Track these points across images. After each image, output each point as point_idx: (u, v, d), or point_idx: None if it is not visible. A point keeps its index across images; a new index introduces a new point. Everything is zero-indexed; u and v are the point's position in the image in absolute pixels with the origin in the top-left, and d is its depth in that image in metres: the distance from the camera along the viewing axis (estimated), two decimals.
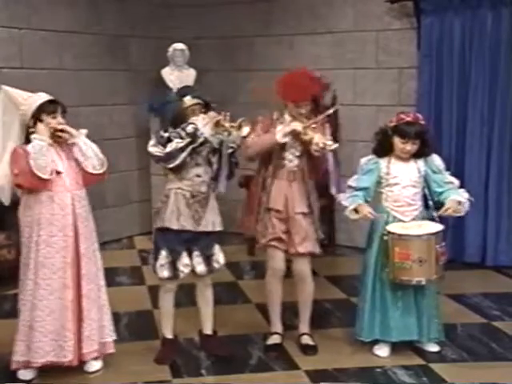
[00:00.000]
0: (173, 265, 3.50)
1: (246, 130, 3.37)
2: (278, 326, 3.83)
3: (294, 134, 3.52)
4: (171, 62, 5.79)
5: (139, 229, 6.39)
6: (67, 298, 3.28)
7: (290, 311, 3.92)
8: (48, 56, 5.47)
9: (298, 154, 3.60)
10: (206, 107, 3.52)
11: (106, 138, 5.82)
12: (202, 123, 3.39)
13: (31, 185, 3.23)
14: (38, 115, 3.26)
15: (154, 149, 3.44)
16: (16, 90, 3.35)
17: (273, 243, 3.65)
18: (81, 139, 3.30)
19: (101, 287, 3.45)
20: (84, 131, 3.39)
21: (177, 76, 5.77)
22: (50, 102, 3.31)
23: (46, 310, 3.28)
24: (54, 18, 5.50)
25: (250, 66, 6.22)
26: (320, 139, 3.41)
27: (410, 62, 5.51)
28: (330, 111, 3.57)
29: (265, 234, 3.63)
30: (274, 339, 3.81)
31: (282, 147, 3.58)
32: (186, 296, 3.95)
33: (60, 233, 3.27)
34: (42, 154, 3.18)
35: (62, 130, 3.27)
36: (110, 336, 3.50)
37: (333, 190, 3.66)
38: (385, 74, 5.65)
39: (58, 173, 3.27)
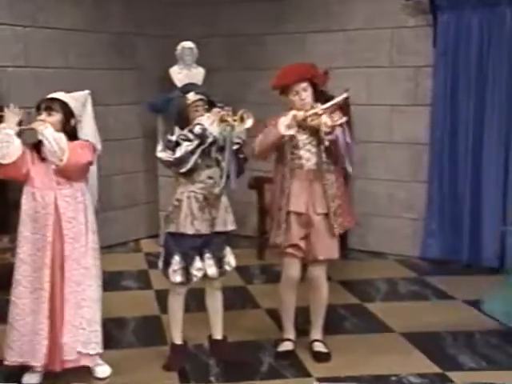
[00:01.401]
0: (185, 269, 3.49)
1: (249, 122, 3.33)
2: (290, 332, 3.81)
3: (301, 123, 3.46)
4: (180, 60, 5.79)
5: (146, 231, 6.39)
6: (41, 300, 3.27)
7: (302, 316, 3.90)
8: (53, 55, 5.48)
9: (314, 150, 3.55)
10: (210, 104, 3.51)
11: (111, 139, 5.83)
12: (209, 122, 3.38)
13: (2, 174, 3.29)
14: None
15: (163, 154, 3.43)
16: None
17: (290, 250, 3.62)
18: (43, 135, 3.24)
19: (90, 292, 3.36)
20: (44, 126, 3.28)
21: (185, 75, 5.76)
22: (48, 99, 3.35)
23: (26, 309, 3.29)
24: (59, 16, 5.51)
25: (260, 64, 6.20)
26: (327, 118, 3.37)
27: (425, 60, 5.49)
28: (340, 98, 3.49)
29: (282, 239, 3.59)
30: (286, 346, 3.78)
31: (297, 145, 3.55)
32: (195, 300, 3.94)
33: (40, 231, 3.28)
34: (5, 141, 3.19)
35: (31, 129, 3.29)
36: (93, 349, 3.38)
37: (349, 168, 3.58)
38: (399, 72, 5.62)
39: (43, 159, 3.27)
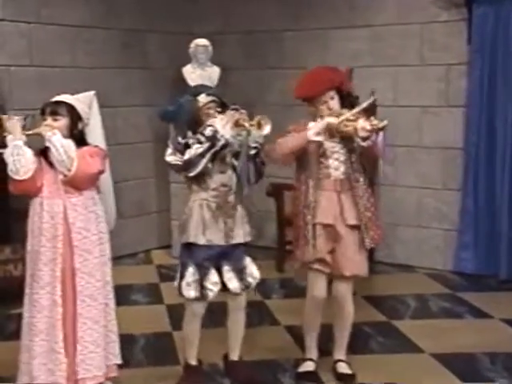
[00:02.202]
0: (200, 283, 3.46)
1: (267, 128, 3.32)
2: (313, 352, 3.78)
3: (332, 131, 3.44)
4: (193, 59, 5.80)
5: (157, 242, 6.38)
6: (56, 317, 3.25)
7: (324, 334, 3.85)
8: (59, 53, 5.51)
9: (343, 158, 3.54)
10: (223, 106, 3.50)
11: (120, 143, 5.85)
12: (221, 124, 3.36)
13: (16, 189, 3.27)
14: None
15: (171, 158, 3.43)
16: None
17: (316, 266, 3.58)
18: (51, 141, 3.22)
19: (106, 306, 3.38)
20: (52, 132, 3.26)
21: (199, 74, 5.77)
22: (54, 102, 3.34)
23: (36, 329, 3.28)
24: (65, 11, 5.54)
25: (279, 63, 6.20)
26: (365, 122, 3.33)
27: (458, 57, 5.44)
28: (368, 102, 3.47)
29: (307, 253, 3.54)
30: (308, 366, 3.75)
31: (324, 154, 3.53)
32: (211, 315, 3.90)
33: (48, 243, 3.26)
34: (16, 154, 3.19)
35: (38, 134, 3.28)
36: (111, 360, 3.42)
37: (381, 174, 3.55)
38: (430, 71, 5.58)
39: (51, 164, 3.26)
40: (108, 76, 5.84)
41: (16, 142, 3.21)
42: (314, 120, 3.55)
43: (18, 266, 4.78)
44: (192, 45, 5.76)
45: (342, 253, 3.55)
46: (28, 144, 3.29)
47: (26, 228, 3.37)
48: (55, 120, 3.28)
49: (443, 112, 5.58)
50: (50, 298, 3.25)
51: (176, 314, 4.34)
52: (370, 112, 3.65)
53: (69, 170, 3.21)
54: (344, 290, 3.64)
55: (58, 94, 3.41)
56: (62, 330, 3.26)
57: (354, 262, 3.57)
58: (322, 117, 3.51)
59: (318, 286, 3.62)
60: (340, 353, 3.75)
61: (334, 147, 3.54)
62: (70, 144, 3.24)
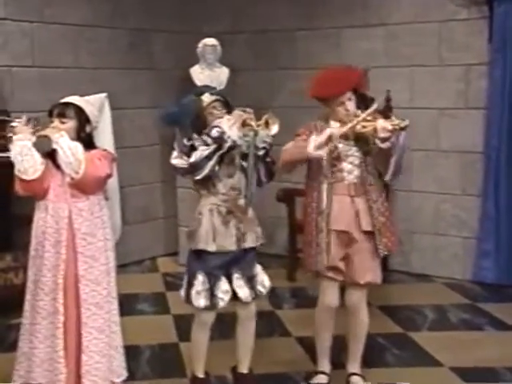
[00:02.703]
0: (210, 292, 3.46)
1: (274, 128, 3.31)
2: (325, 364, 3.77)
3: (347, 134, 3.43)
4: (201, 59, 5.81)
5: (164, 249, 6.39)
6: (57, 325, 3.26)
7: (338, 346, 3.84)
8: (62, 53, 5.53)
9: (357, 161, 3.53)
10: (227, 106, 3.50)
11: (126, 146, 5.85)
12: (228, 125, 3.35)
13: (23, 190, 3.28)
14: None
15: (177, 161, 3.43)
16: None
17: (329, 274, 3.58)
18: (58, 143, 3.24)
19: (112, 315, 3.38)
20: (59, 134, 3.27)
21: (207, 75, 5.79)
22: (61, 104, 3.35)
23: (40, 336, 3.29)
24: (69, 10, 5.57)
25: (290, 64, 6.20)
26: (386, 122, 3.32)
27: (479, 57, 5.42)
28: (375, 106, 3.45)
29: (319, 260, 3.54)
30: (320, 379, 3.74)
31: (338, 157, 3.51)
32: (219, 326, 3.89)
33: (53, 249, 3.27)
34: (26, 153, 3.21)
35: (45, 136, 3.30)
36: (118, 376, 3.40)
37: (387, 176, 3.48)
38: (449, 71, 5.57)
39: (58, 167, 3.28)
40: (113, 77, 5.86)
41: (24, 142, 3.23)
42: (327, 121, 3.55)
43: (19, 275, 4.79)
44: (200, 44, 5.78)
45: (356, 260, 3.55)
46: (35, 147, 3.31)
47: (28, 234, 3.39)
48: (62, 122, 3.30)
49: (462, 114, 5.56)
50: (53, 306, 3.26)
51: (183, 325, 4.34)
52: (385, 114, 3.65)
53: (76, 173, 3.22)
54: (357, 298, 3.63)
55: (62, 96, 3.42)
56: (63, 338, 3.26)
57: (368, 270, 3.56)
58: (337, 118, 3.51)
59: (330, 295, 3.62)
60: (354, 365, 3.73)
61: (348, 150, 3.53)
62: (77, 146, 3.25)
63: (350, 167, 3.53)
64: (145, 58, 6.16)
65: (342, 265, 3.56)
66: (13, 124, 4.58)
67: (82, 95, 3.49)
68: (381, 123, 3.32)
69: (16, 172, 3.23)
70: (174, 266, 5.99)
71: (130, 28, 6.02)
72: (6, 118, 4.75)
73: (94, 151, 3.31)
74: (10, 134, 3.33)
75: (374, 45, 5.80)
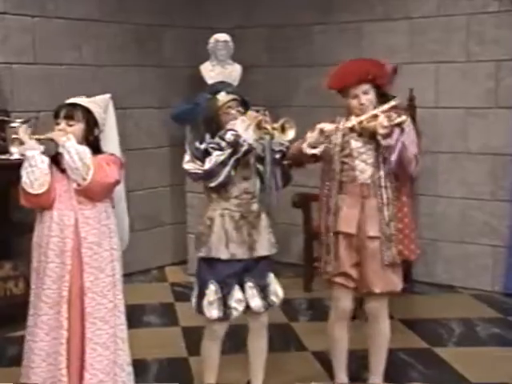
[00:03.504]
0: (223, 301, 3.46)
1: (291, 133, 3.31)
2: (342, 378, 3.76)
3: (355, 129, 3.43)
4: (212, 55, 5.82)
5: (172, 257, 6.40)
6: (60, 340, 3.25)
7: (357, 362, 3.83)
8: (65, 49, 5.56)
9: (370, 160, 3.52)
10: (244, 105, 3.50)
11: (131, 148, 5.87)
12: (243, 127, 3.35)
13: (29, 203, 3.29)
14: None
15: (190, 165, 3.43)
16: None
17: (338, 280, 3.59)
18: (65, 148, 3.23)
19: (118, 331, 3.38)
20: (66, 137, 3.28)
21: (219, 73, 5.80)
22: (67, 105, 3.35)
23: (42, 354, 3.28)
24: (72, 4, 5.59)
25: (307, 60, 6.20)
26: (384, 118, 3.32)
27: (510, 52, 5.40)
28: (393, 103, 3.45)
29: (329, 266, 3.56)
30: None
31: (350, 154, 3.52)
32: (230, 339, 3.90)
33: (57, 259, 3.27)
34: (32, 165, 3.22)
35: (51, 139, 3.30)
36: None
37: (392, 157, 3.41)
38: (477, 68, 5.55)
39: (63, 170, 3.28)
40: (118, 75, 5.88)
41: (33, 153, 3.24)
42: (349, 115, 3.55)
43: (19, 284, 4.82)
44: (211, 40, 5.79)
45: (368, 267, 3.54)
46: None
47: (28, 241, 3.40)
48: (70, 125, 3.30)
49: (491, 114, 5.54)
50: (57, 320, 3.25)
51: (192, 338, 4.34)
52: (408, 113, 3.66)
53: (83, 179, 3.22)
54: (375, 308, 3.63)
55: (65, 94, 3.45)
56: (66, 355, 3.26)
57: (383, 277, 3.55)
58: (352, 113, 3.52)
59: (341, 300, 3.63)
60: (376, 379, 3.72)
61: (361, 147, 3.52)
62: (85, 151, 3.25)
63: (363, 166, 3.53)
64: (152, 54, 6.18)
65: (353, 272, 3.56)
66: (12, 125, 4.64)
67: (85, 94, 3.51)
68: (380, 119, 3.34)
69: (22, 184, 3.24)
70: (182, 276, 6.00)
71: (137, 23, 6.04)
72: (6, 119, 4.81)
73: (101, 156, 3.32)
74: (14, 136, 3.35)
75: (397, 40, 5.79)
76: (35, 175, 3.22)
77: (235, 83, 5.67)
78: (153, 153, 6.24)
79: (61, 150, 3.24)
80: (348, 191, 3.54)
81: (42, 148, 3.28)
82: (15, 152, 4.51)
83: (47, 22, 5.44)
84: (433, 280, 5.78)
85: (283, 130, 3.31)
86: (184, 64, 6.24)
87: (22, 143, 3.30)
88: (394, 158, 3.39)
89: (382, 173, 3.51)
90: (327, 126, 3.44)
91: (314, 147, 3.43)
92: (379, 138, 3.37)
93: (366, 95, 3.50)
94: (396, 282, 3.60)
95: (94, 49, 5.76)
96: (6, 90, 5.16)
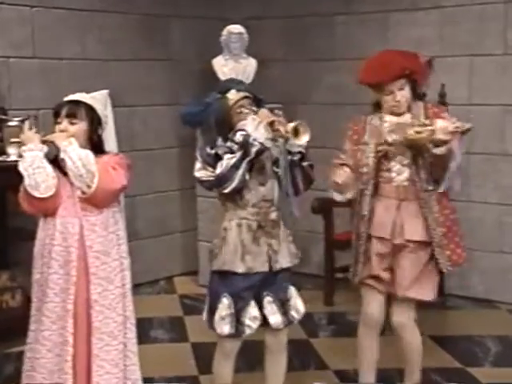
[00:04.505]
0: (236, 317, 3.46)
1: (304, 138, 3.32)
2: None
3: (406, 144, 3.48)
4: (225, 49, 5.83)
5: (181, 267, 6.42)
6: (65, 358, 3.25)
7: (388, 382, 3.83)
8: (67, 42, 5.59)
9: (406, 162, 3.56)
10: (257, 103, 3.50)
11: (137, 149, 5.90)
12: (253, 126, 3.35)
13: (34, 208, 3.28)
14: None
15: (202, 173, 3.43)
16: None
17: (368, 281, 3.65)
18: (66, 153, 3.23)
19: (129, 344, 3.40)
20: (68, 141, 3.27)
21: (232, 68, 5.81)
22: (68, 102, 3.36)
23: (44, 372, 3.29)
24: None
25: (328, 54, 6.21)
26: (446, 122, 3.37)
27: None
28: (467, 126, 3.43)
29: (360, 269, 3.64)
30: None
31: (385, 155, 3.56)
32: (246, 355, 3.90)
33: (61, 270, 3.27)
34: (37, 166, 3.21)
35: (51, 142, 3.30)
36: None
37: (442, 187, 3.54)
38: None
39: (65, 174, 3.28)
40: (124, 69, 5.91)
41: (35, 153, 3.23)
42: (380, 114, 3.60)
43: (17, 296, 4.84)
44: (224, 32, 5.80)
45: (405, 271, 3.58)
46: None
47: (27, 249, 3.41)
48: (72, 124, 3.30)
49: None
50: (61, 336, 3.25)
51: (203, 354, 4.35)
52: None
53: (88, 187, 3.21)
54: (401, 315, 3.65)
55: (66, 91, 3.45)
56: (72, 373, 3.26)
57: (418, 284, 3.58)
58: (387, 110, 3.57)
59: (371, 304, 3.68)
60: None
61: (398, 149, 3.56)
62: (88, 156, 3.24)
63: (399, 167, 3.58)
64: (160, 47, 6.20)
65: (385, 275, 3.62)
66: (10, 124, 4.67)
67: (89, 90, 3.52)
68: (440, 123, 3.36)
69: (26, 187, 3.20)
70: (192, 287, 6.01)
71: (144, 13, 6.06)
72: (3, 117, 4.84)
73: (106, 158, 3.31)
74: (15, 140, 3.36)
75: (426, 31, 5.77)
76: (42, 177, 3.21)
77: (249, 79, 5.70)
78: (160, 154, 6.26)
79: (62, 155, 3.23)
80: (383, 193, 3.60)
81: (45, 148, 3.27)
82: (13, 153, 4.56)
83: (47, 13, 5.47)
84: (467, 293, 5.75)
85: (297, 133, 3.31)
86: (194, 58, 6.26)
87: (24, 141, 3.28)
88: (454, 167, 3.47)
89: (422, 175, 3.55)
90: (340, 177, 3.57)
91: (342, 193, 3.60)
92: (432, 146, 3.40)
93: (401, 91, 3.55)
94: (430, 291, 3.64)
95: (98, 41, 5.78)
96: (3, 86, 5.19)
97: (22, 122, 4.66)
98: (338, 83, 6.04)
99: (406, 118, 3.59)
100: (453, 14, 5.70)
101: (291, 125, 3.30)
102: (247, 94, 3.51)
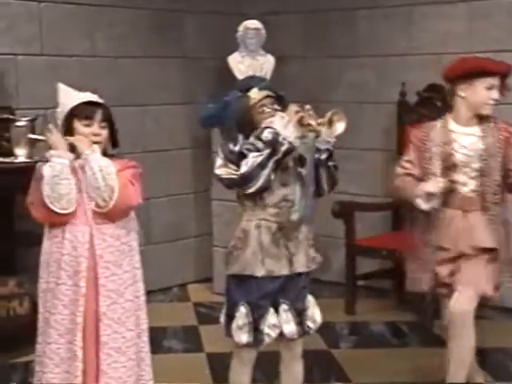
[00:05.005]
0: (255, 326, 3.45)
1: (340, 126, 3.32)
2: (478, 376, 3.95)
3: None
4: (241, 45, 5.84)
5: (195, 274, 6.43)
6: (74, 373, 3.23)
7: None
8: (76, 38, 5.61)
9: (474, 174, 3.70)
10: (280, 102, 3.50)
11: (149, 150, 5.92)
12: (282, 124, 3.35)
13: (46, 220, 3.27)
14: (70, 120, 3.30)
15: (223, 170, 3.42)
16: (67, 87, 3.43)
17: (442, 291, 3.79)
18: (88, 161, 3.20)
19: (141, 361, 3.39)
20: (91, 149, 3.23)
21: (249, 65, 5.81)
22: (87, 104, 3.33)
23: None
24: None
25: (349, 50, 6.19)
26: None
27: None
28: None
29: (424, 278, 3.77)
30: None
31: (452, 167, 3.67)
32: (263, 366, 3.89)
33: (70, 281, 3.24)
34: (64, 177, 3.18)
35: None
36: None
37: None
38: None
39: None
40: (135, 67, 5.92)
41: (64, 161, 3.20)
42: (456, 118, 3.72)
43: (24, 303, 4.84)
44: (240, 28, 5.80)
45: (463, 272, 3.69)
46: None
47: (35, 255, 3.39)
48: (102, 128, 3.27)
49: None
50: (70, 350, 3.23)
51: (219, 365, 4.34)
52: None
53: (104, 201, 3.19)
54: (459, 306, 3.69)
55: (78, 90, 3.43)
56: None
57: (475, 275, 3.67)
58: (472, 107, 3.69)
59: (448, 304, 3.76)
60: None
61: (466, 159, 3.69)
62: (109, 167, 3.20)
63: (465, 179, 3.71)
64: (173, 44, 6.21)
65: (449, 279, 3.73)
66: (17, 124, 4.68)
67: (100, 88, 3.53)
68: None
69: (45, 198, 3.16)
70: (207, 295, 6.01)
71: (157, 8, 6.06)
72: (10, 117, 4.86)
73: (123, 169, 3.26)
74: (36, 137, 3.33)
75: (454, 26, 5.73)
76: (66, 189, 3.17)
77: (267, 77, 5.69)
78: (174, 155, 6.26)
79: (83, 161, 3.20)
80: (448, 204, 3.72)
81: (71, 156, 3.22)
82: (21, 154, 4.59)
83: (56, 8, 5.48)
84: (502, 304, 5.70)
85: (330, 124, 3.32)
86: (209, 55, 6.26)
87: (53, 145, 3.24)
88: None
89: (489, 188, 3.69)
90: (433, 187, 3.63)
91: (430, 203, 3.67)
92: None
93: (496, 91, 3.69)
94: (488, 283, 3.72)
95: (108, 38, 5.79)
96: (11, 84, 5.21)
97: (31, 121, 4.70)
98: (360, 81, 6.03)
99: (474, 130, 3.72)
100: (482, 7, 5.65)
101: (327, 115, 3.30)
102: (269, 92, 3.50)
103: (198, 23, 6.34)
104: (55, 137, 3.28)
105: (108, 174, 3.19)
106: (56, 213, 3.18)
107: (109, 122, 3.32)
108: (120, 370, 3.28)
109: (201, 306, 5.81)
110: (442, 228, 3.73)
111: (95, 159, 3.19)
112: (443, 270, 3.73)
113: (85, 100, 3.32)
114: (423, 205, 3.66)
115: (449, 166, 3.69)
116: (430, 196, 3.64)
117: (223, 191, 3.79)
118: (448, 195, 3.68)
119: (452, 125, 3.75)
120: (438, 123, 3.79)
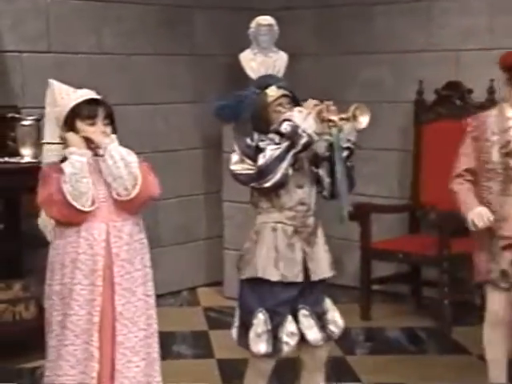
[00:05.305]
0: (273, 334, 3.43)
1: (364, 120, 3.33)
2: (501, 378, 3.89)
3: None
4: (254, 42, 5.83)
5: (205, 277, 6.43)
6: (90, 375, 3.24)
7: None
8: (83, 35, 5.62)
9: None
10: (295, 103, 3.51)
11: (159, 150, 5.91)
12: (301, 117, 3.35)
13: (66, 218, 3.27)
14: (72, 120, 3.31)
15: (239, 166, 3.43)
16: (62, 84, 3.42)
17: (501, 284, 3.78)
18: (107, 151, 3.24)
19: (153, 361, 3.41)
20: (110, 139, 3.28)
21: (261, 62, 5.80)
22: (89, 102, 3.34)
23: None
24: None
25: (366, 47, 6.17)
26: None
27: None
28: None
29: (492, 268, 3.78)
30: None
31: (510, 154, 3.70)
32: (280, 374, 3.88)
33: (85, 280, 3.25)
34: (83, 175, 3.20)
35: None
36: None
37: None
38: None
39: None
40: (144, 64, 5.93)
41: (83, 159, 3.22)
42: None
43: (30, 307, 4.84)
44: (252, 24, 5.79)
45: None
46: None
47: (42, 258, 3.40)
48: (106, 125, 3.30)
49: None
50: (86, 350, 3.24)
51: (229, 372, 4.35)
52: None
53: (126, 190, 3.21)
54: None
55: (85, 88, 3.44)
56: None
57: None
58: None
59: (492, 302, 3.81)
60: None
61: None
62: (131, 156, 3.24)
63: None
64: (183, 40, 6.22)
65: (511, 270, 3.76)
66: (23, 123, 4.70)
67: (107, 86, 3.54)
68: None
69: (67, 195, 3.17)
70: (218, 299, 6.00)
71: (166, 4, 6.07)
72: (16, 116, 4.87)
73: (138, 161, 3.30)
74: (50, 141, 3.34)
75: (475, 21, 5.70)
76: (85, 188, 3.20)
77: (280, 74, 5.69)
78: (184, 155, 6.26)
79: (102, 151, 3.23)
80: (509, 192, 3.75)
81: (89, 153, 3.26)
82: (27, 154, 4.60)
83: (63, 4, 5.49)
84: None
85: (354, 117, 3.32)
86: (220, 52, 6.26)
87: (71, 142, 3.26)
88: None
89: None
90: (478, 221, 3.72)
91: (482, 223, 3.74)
92: None
93: None
94: None
95: (115, 34, 5.79)
96: (16, 83, 5.22)
97: (37, 121, 4.70)
98: (376, 79, 6.02)
99: None
100: (504, 1, 5.63)
101: (351, 109, 3.31)
102: (287, 92, 3.52)
103: (208, 19, 6.34)
104: (70, 135, 3.29)
105: (130, 163, 3.22)
106: (78, 210, 3.20)
107: (110, 118, 3.34)
108: (133, 369, 3.31)
109: (211, 310, 5.81)
110: (507, 217, 3.74)
111: (116, 148, 3.23)
112: (506, 259, 3.74)
113: (85, 98, 3.33)
114: (472, 227, 3.73)
115: (507, 153, 3.71)
116: (476, 226, 3.72)
117: (235, 192, 3.80)
118: (508, 184, 3.72)
119: (510, 112, 3.78)
120: (493, 111, 3.84)
